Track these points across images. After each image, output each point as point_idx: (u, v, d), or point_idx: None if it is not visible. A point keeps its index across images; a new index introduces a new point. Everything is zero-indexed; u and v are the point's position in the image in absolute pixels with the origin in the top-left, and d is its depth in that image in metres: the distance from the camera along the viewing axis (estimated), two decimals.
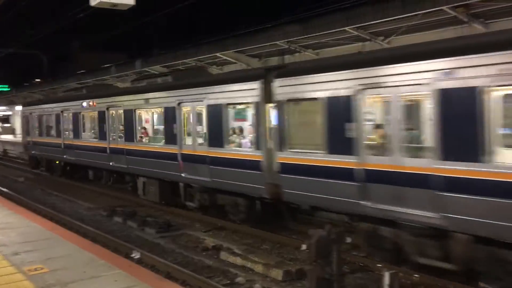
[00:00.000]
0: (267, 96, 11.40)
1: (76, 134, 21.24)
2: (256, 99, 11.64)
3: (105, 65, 26.52)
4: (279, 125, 11.14)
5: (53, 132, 23.96)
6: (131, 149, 16.87)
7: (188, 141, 14.30)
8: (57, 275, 7.60)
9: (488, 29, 11.67)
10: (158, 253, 11.20)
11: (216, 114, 12.83)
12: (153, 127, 17.35)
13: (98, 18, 24.90)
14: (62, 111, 22.64)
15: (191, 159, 13.83)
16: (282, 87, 11.01)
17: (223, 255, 10.79)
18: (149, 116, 17.54)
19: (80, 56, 53.33)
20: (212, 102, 12.97)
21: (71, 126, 21.84)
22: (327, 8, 14.88)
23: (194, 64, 20.01)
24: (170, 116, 14.64)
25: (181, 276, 9.37)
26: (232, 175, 12.37)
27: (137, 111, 16.79)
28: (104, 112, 18.55)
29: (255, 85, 11.68)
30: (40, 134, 25.59)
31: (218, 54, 18.05)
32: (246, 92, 11.97)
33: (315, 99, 10.21)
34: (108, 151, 18.33)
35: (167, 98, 14.86)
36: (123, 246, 11.54)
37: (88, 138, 20.72)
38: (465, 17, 11.53)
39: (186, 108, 14.35)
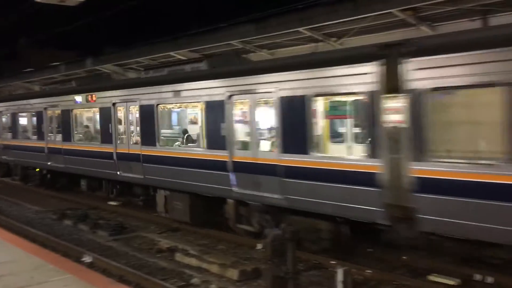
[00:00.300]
0: (390, 83, 8.22)
1: (67, 136, 17.22)
2: (369, 87, 8.39)
3: (54, 63, 25.62)
4: (413, 123, 7.88)
5: (33, 133, 19.92)
6: (153, 155, 13.31)
7: (245, 145, 11.18)
8: (3, 281, 7.30)
9: (435, 32, 12.12)
10: (111, 256, 10.94)
11: (296, 109, 9.56)
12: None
13: (47, 14, 24.08)
14: (45, 108, 18.60)
15: (250, 169, 10.62)
16: (422, 70, 7.74)
17: (178, 256, 10.67)
18: (176, 113, 14.52)
19: (28, 54, 51.35)
20: (288, 93, 9.70)
21: (59, 127, 17.91)
22: (281, 8, 15.00)
23: (147, 63, 19.70)
24: (214, 112, 11.40)
25: (134, 279, 9.19)
26: (323, 191, 9.23)
27: (160, 107, 13.27)
28: (109, 108, 14.83)
29: (369, 67, 8.40)
30: (15, 136, 21.35)
31: (171, 53, 17.85)
32: (352, 79, 8.71)
33: (490, 85, 7.07)
34: (114, 157, 14.74)
35: (210, 89, 11.48)
36: (74, 250, 11.20)
37: (85, 141, 17.04)
38: (413, 19, 11.92)
39: (241, 102, 11.11)
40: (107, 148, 15.05)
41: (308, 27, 13.44)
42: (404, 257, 9.57)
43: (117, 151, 14.70)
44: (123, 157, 14.45)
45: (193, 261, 10.24)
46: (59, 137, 17.88)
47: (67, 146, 17.32)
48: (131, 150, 14.19)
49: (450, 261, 8.92)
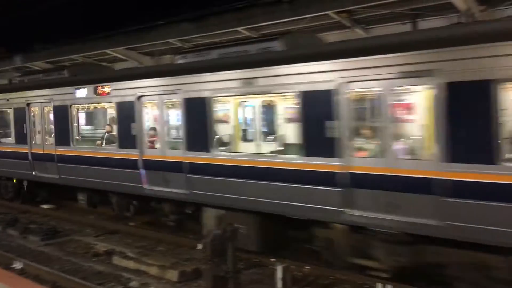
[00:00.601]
0: None
1: (64, 139, 13.64)
2: None
3: None
4: None
5: (9, 136, 16.25)
6: (206, 164, 10.16)
7: (372, 151, 8.21)
8: None
9: (368, 34, 12.59)
10: (43, 261, 10.48)
11: (475, 100, 6.86)
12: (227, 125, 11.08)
13: None
14: (28, 104, 14.95)
15: (381, 184, 7.76)
16: None
17: (116, 259, 10.39)
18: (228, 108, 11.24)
19: None
20: (461, 77, 6.91)
21: (50, 127, 14.51)
22: (221, 7, 15.02)
23: (81, 60, 19.07)
24: (315, 107, 8.48)
25: (68, 284, 8.87)
26: None
27: (216, 101, 10.20)
28: (131, 103, 11.56)
29: None
30: None
31: (107, 51, 17.41)
32: None
33: None
34: (140, 166, 11.53)
35: (309, 75, 8.44)
36: (3, 256, 10.65)
37: (90, 144, 13.79)
38: (348, 22, 12.33)
39: (364, 92, 8.33)
40: (128, 155, 11.74)
41: (246, 27, 13.57)
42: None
43: (144, 158, 11.47)
44: (154, 166, 11.25)
45: (131, 264, 10.00)
46: (50, 140, 14.38)
47: (63, 151, 13.68)
48: (168, 157, 10.97)
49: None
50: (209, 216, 10.40)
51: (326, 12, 11.84)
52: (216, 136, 10.54)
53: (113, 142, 12.93)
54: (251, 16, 13.25)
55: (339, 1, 11.65)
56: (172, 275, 9.22)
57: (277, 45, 9.66)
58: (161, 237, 11.98)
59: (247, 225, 9.66)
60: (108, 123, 14.07)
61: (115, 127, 13.02)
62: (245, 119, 11.77)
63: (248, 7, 13.59)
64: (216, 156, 10.03)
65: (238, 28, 13.71)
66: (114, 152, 12.27)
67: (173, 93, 10.72)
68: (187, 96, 10.39)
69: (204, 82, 10.11)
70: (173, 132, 11.94)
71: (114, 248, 11.19)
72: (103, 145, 13.33)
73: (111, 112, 13.79)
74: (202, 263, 8.30)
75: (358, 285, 8.63)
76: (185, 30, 15.00)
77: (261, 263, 9.91)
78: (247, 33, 13.92)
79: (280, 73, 8.93)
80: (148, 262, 9.87)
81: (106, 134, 13.58)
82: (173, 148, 11.19)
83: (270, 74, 9.09)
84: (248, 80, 9.39)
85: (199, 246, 10.29)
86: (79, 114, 14.30)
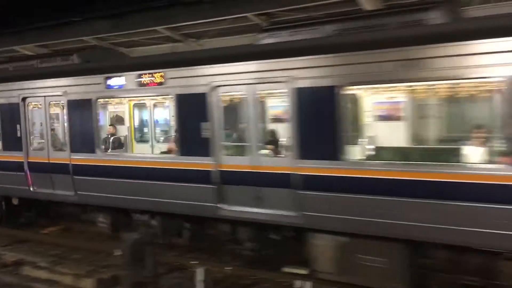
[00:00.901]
0: None
1: (84, 143, 10.61)
2: None
3: None
4: None
5: None
6: (334, 176, 7.59)
7: None
8: None
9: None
10: None
11: None
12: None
13: None
14: (25, 99, 11.64)
15: None
16: None
17: (26, 270, 9.82)
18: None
19: None
20: None
21: (62, 129, 11.52)
22: (140, 5, 14.65)
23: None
24: None
25: None
26: None
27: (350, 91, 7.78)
28: (202, 96, 8.77)
29: None
30: None
31: (16, 48, 16.40)
32: None
33: None
34: (215, 179, 8.84)
35: None
36: None
37: (134, 150, 11.38)
38: (268, 24, 12.54)
39: None
40: (194, 164, 9.05)
41: (165, 26, 13.38)
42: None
43: (223, 169, 8.81)
44: (239, 179, 8.63)
45: (43, 274, 9.51)
46: (59, 145, 11.59)
47: (84, 160, 10.63)
48: (263, 168, 8.40)
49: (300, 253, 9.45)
50: (323, 245, 8.05)
51: (246, 14, 11.96)
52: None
53: (120, 147, 11.25)
54: (170, 15, 13.09)
55: (259, 4, 11.82)
56: (88, 283, 8.87)
57: (437, 16, 7.38)
58: (77, 244, 11.48)
59: (388, 258, 7.46)
60: (111, 123, 12.01)
61: (119, 127, 11.50)
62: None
63: (167, 6, 13.40)
64: (353, 166, 7.43)
65: (158, 28, 13.48)
66: (170, 161, 9.45)
67: (275, 81, 8.13)
68: (300, 86, 7.80)
69: (333, 66, 7.52)
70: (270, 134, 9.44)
71: (24, 258, 10.56)
72: (110, 150, 11.03)
73: (114, 110, 12.12)
74: (121, 269, 8.05)
75: (278, 283, 8.78)
76: (101, 28, 14.50)
77: (182, 266, 9.80)
78: (166, 33, 13.73)
79: (475, 51, 6.45)
80: (62, 271, 9.45)
81: (111, 137, 11.38)
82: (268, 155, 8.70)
83: (450, 53, 6.60)
84: (412, 62, 6.83)
85: (117, 252, 10.01)
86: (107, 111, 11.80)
